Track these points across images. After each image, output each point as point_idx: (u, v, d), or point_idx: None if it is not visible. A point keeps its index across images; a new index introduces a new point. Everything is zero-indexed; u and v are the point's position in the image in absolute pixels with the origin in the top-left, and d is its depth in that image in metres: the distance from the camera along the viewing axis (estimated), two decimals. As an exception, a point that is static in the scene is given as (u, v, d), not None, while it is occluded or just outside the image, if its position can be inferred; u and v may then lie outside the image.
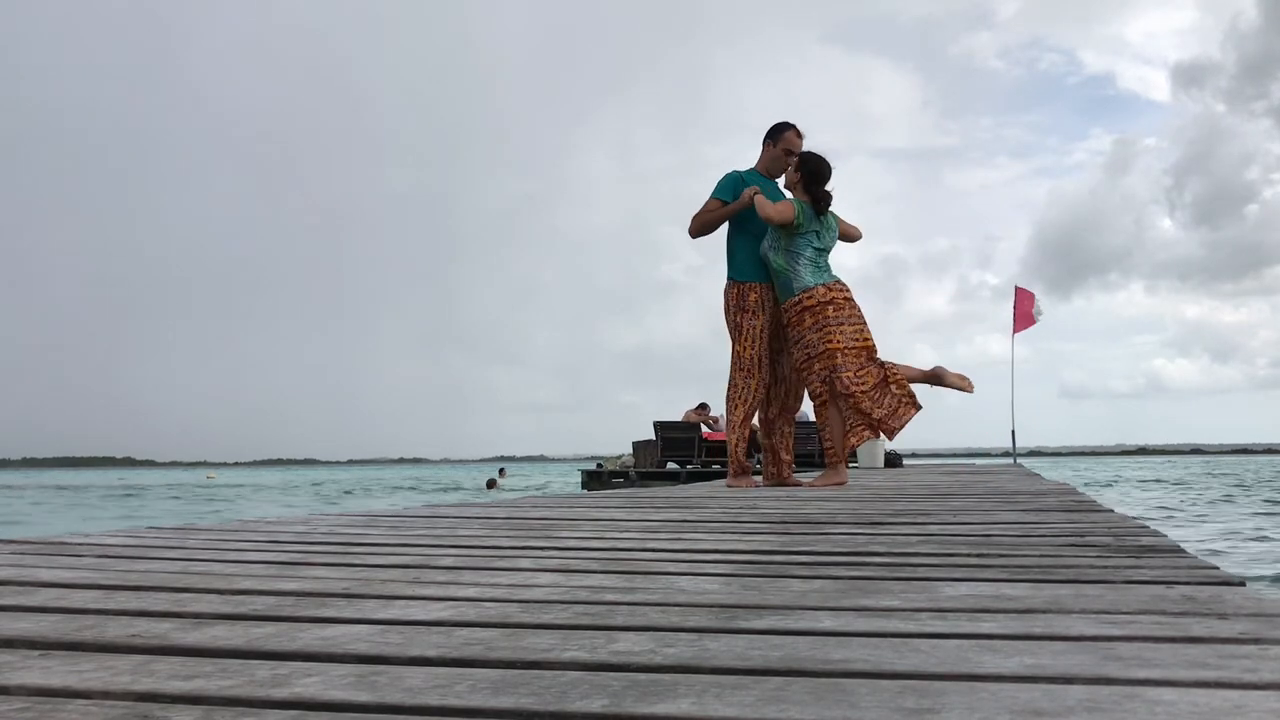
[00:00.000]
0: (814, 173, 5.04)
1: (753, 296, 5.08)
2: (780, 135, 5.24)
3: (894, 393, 4.95)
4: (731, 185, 5.16)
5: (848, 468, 5.27)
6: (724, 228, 5.23)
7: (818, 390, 5.01)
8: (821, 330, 4.90)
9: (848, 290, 5.03)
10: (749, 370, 5.05)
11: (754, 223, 5.10)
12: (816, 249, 4.98)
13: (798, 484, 5.37)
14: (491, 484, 25.39)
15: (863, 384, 4.90)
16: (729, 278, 5.18)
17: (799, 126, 5.28)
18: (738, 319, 5.10)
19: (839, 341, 4.89)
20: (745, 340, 5.06)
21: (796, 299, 4.94)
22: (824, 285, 4.94)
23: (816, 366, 4.93)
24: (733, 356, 5.11)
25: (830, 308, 4.92)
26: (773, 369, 5.19)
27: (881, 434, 5.00)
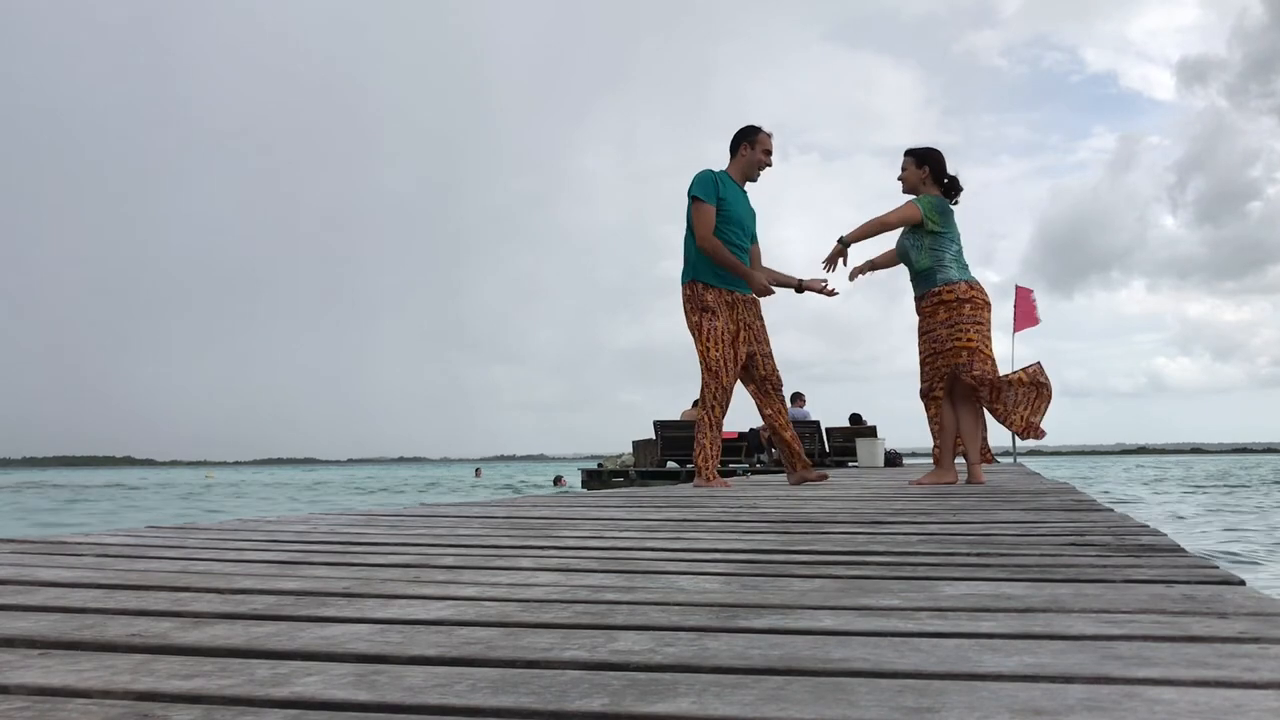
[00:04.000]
0: (940, 163, 5.01)
1: (709, 296, 5.05)
2: (755, 137, 5.18)
3: (1019, 393, 4.89)
4: (711, 185, 5.09)
5: (954, 468, 5.19)
6: (684, 223, 5.17)
7: (932, 388, 4.93)
8: (953, 327, 4.85)
9: (985, 293, 4.99)
10: (715, 371, 5.01)
11: (719, 225, 5.06)
12: (959, 248, 4.96)
13: (821, 477, 5.36)
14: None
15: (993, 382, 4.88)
16: (686, 278, 5.12)
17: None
18: (697, 320, 5.06)
19: (971, 340, 4.85)
20: (708, 341, 5.02)
21: (936, 291, 4.88)
22: (966, 282, 4.90)
23: (939, 363, 4.88)
24: (699, 358, 5.07)
25: (966, 307, 4.87)
26: (749, 369, 5.18)
27: (1029, 435, 4.91)
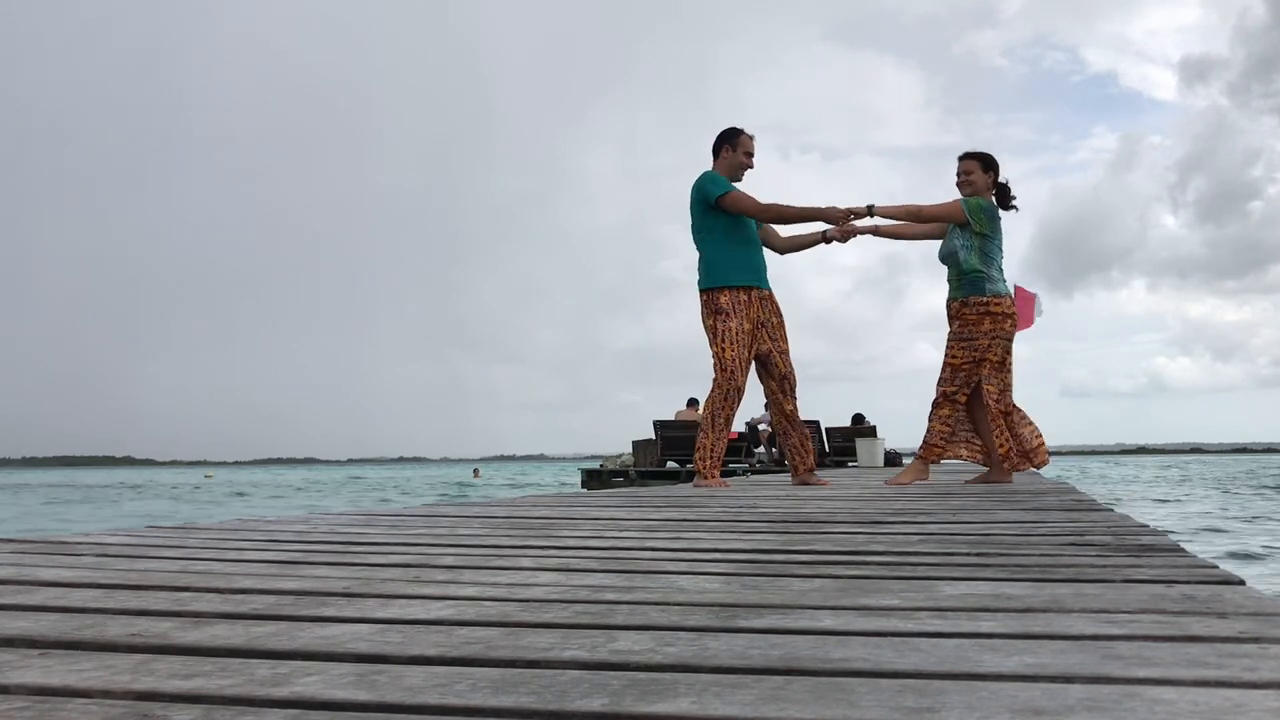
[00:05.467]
0: (998, 169, 4.99)
1: (723, 299, 5.03)
2: (736, 140, 5.17)
3: (1029, 430, 4.97)
4: (721, 177, 5.12)
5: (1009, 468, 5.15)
6: (689, 231, 5.18)
7: (959, 391, 4.94)
8: (993, 339, 4.87)
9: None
10: (730, 371, 5.01)
11: (719, 226, 5.06)
12: (1003, 258, 4.96)
13: (821, 483, 5.34)
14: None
15: (1003, 405, 4.90)
16: (702, 285, 5.12)
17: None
18: (712, 323, 5.06)
19: (999, 355, 4.90)
20: (723, 342, 5.02)
21: (984, 300, 4.87)
22: (1009, 297, 4.95)
23: (975, 371, 4.89)
24: (714, 359, 5.07)
25: (1008, 322, 4.91)
26: (767, 367, 5.17)
27: (1031, 464, 5.00)
